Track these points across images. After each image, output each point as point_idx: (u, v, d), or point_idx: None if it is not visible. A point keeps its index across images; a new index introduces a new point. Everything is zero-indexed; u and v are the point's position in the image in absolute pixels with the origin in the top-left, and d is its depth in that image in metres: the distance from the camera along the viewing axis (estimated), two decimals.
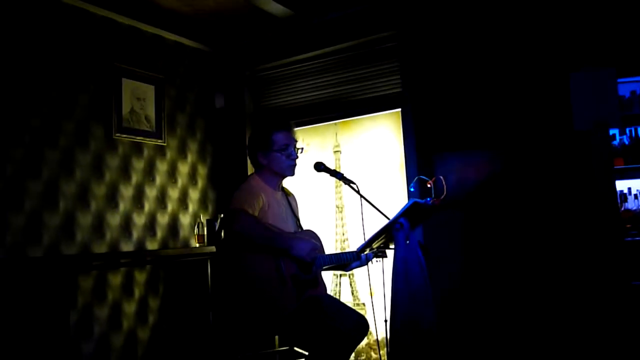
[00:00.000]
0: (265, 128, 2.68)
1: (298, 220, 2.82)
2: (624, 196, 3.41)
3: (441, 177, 2.65)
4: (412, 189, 2.84)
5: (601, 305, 3.03)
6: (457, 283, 3.43)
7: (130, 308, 3.66)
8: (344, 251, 2.79)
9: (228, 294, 2.47)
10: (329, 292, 2.73)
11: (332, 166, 3.70)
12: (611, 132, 3.32)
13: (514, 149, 3.37)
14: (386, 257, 2.84)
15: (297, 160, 2.72)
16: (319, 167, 2.78)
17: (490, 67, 3.47)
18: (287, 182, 2.85)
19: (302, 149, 2.77)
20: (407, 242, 2.50)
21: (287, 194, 2.84)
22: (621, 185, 3.34)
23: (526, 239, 3.29)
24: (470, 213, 3.46)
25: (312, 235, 2.69)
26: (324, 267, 2.71)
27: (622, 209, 3.33)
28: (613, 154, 3.28)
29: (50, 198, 3.28)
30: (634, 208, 3.42)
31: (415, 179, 2.89)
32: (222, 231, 3.97)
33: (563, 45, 3.26)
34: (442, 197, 2.59)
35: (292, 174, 2.72)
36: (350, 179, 2.77)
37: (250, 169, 4.36)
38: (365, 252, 2.79)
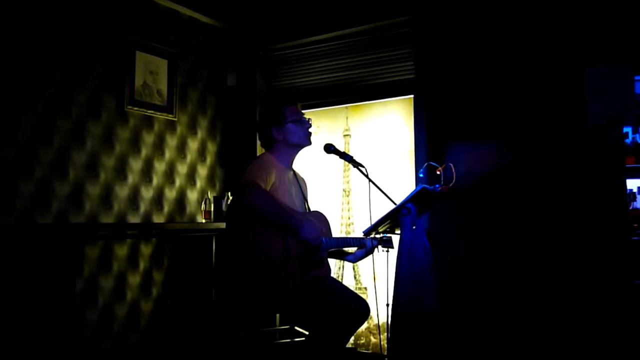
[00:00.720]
0: (275, 103, 2.72)
1: (306, 202, 2.85)
2: (632, 195, 3.40)
3: (451, 165, 2.65)
4: (421, 175, 2.84)
5: (603, 302, 3.03)
6: (460, 271, 3.45)
7: (134, 280, 3.70)
8: (349, 237, 2.80)
9: (233, 267, 2.49)
10: (332, 275, 2.74)
11: (341, 150, 3.70)
12: (624, 130, 3.30)
13: (524, 141, 3.35)
14: (392, 247, 2.85)
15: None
16: (329, 148, 2.80)
17: (505, 57, 3.45)
18: (295, 165, 2.86)
19: (310, 119, 2.78)
20: (414, 227, 2.51)
21: (297, 176, 2.86)
22: (631, 184, 3.33)
23: (532, 232, 3.29)
24: (477, 203, 3.45)
25: (320, 219, 2.70)
26: (329, 250, 2.73)
27: (630, 207, 3.32)
28: (625, 152, 3.26)
29: (61, 167, 3.31)
30: None
31: (425, 165, 2.89)
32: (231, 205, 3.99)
33: (580, 38, 3.22)
34: (451, 184, 2.60)
35: (310, 142, 2.75)
36: (359, 162, 2.79)
37: (260, 150, 4.38)
38: (371, 237, 2.81)
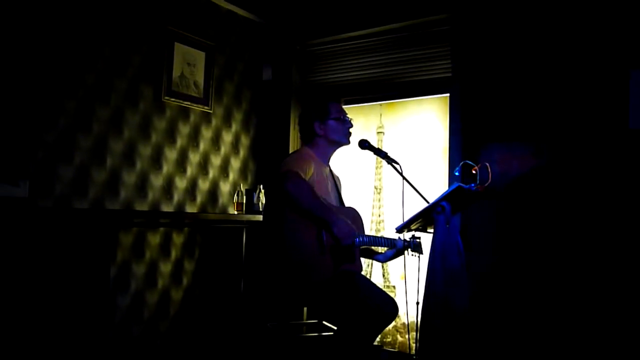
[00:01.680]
0: (321, 98, 2.75)
1: (341, 198, 2.86)
2: None
3: (487, 165, 2.62)
4: (456, 173, 2.81)
5: (635, 314, 2.96)
6: (493, 273, 3.40)
7: (166, 268, 3.75)
8: (382, 236, 2.81)
9: (266, 257, 2.51)
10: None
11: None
12: None
13: (562, 143, 3.28)
14: (422, 253, 2.85)
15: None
16: (364, 144, 2.80)
17: (545, 58, 3.38)
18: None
19: (352, 119, 2.80)
20: (447, 226, 2.48)
21: (333, 173, 2.87)
22: None
23: (565, 237, 3.22)
24: (511, 205, 3.40)
25: (354, 216, 2.71)
26: (361, 248, 2.73)
27: None
28: None
29: (99, 154, 3.37)
30: None
31: (461, 163, 2.86)
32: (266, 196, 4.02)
33: (625, 40, 3.14)
34: (487, 184, 2.56)
35: (349, 141, 2.79)
36: (394, 158, 2.78)
37: (292, 145, 4.40)
38: (403, 239, 2.80)
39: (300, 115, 2.87)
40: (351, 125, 2.80)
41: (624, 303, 3.01)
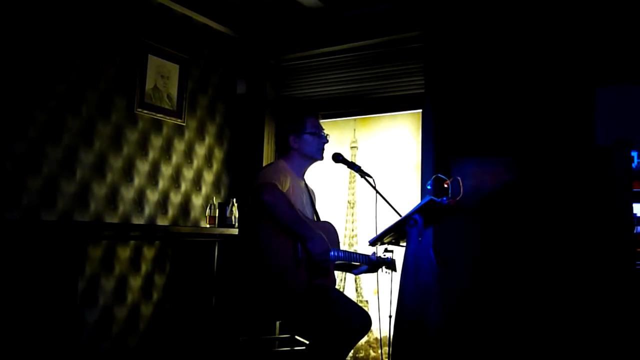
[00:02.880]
0: (298, 112, 2.76)
1: (316, 212, 2.86)
2: (637, 220, 3.39)
3: (459, 178, 2.65)
4: (429, 187, 2.83)
5: (609, 326, 3.01)
6: (464, 287, 3.43)
7: (136, 282, 3.69)
8: (357, 252, 2.82)
9: (240, 270, 2.48)
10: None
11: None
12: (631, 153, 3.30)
13: (531, 158, 3.35)
14: (395, 271, 2.86)
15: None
16: (337, 157, 2.81)
17: (515, 75, 3.46)
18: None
19: (329, 135, 2.81)
20: (420, 239, 2.50)
21: (307, 186, 2.88)
22: (636, 209, 3.31)
23: (536, 251, 3.27)
24: (483, 219, 3.45)
25: (329, 231, 2.70)
26: (336, 262, 2.73)
27: (634, 232, 3.30)
28: (632, 177, 3.26)
29: (68, 165, 3.32)
30: None
31: (433, 177, 2.89)
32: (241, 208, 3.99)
33: (591, 58, 3.24)
34: (458, 198, 2.59)
35: (322, 157, 2.80)
36: (367, 172, 2.79)
37: (266, 159, 4.39)
38: (376, 255, 2.81)
39: (277, 127, 2.88)
40: (326, 141, 2.80)
41: (597, 313, 3.07)
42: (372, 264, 2.81)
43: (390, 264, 2.87)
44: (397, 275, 2.62)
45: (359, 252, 2.84)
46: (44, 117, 3.20)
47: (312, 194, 2.89)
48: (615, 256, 3.05)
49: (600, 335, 3.02)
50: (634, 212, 3.20)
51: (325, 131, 2.82)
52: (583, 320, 3.10)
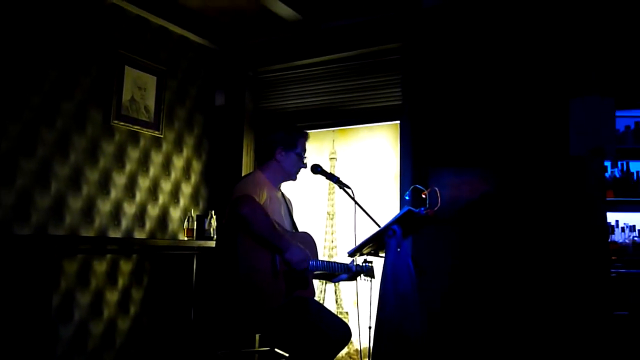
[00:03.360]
0: (293, 129, 2.76)
1: (294, 222, 2.85)
2: (611, 228, 3.46)
3: (436, 189, 2.67)
4: (407, 197, 2.85)
5: (585, 331, 3.04)
6: (444, 298, 3.44)
7: (112, 297, 3.62)
8: (335, 261, 2.82)
9: (218, 283, 2.46)
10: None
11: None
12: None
13: (508, 169, 3.39)
14: (374, 278, 2.87)
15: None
16: (316, 169, 2.82)
17: (491, 87, 3.51)
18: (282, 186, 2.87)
19: (307, 158, 2.82)
20: (398, 249, 2.50)
21: (284, 197, 2.87)
22: (610, 217, 3.38)
23: (514, 261, 3.30)
24: (460, 230, 3.47)
25: (307, 241, 2.70)
26: (315, 272, 2.72)
27: (609, 240, 3.36)
28: (605, 186, 3.32)
29: (43, 178, 3.26)
30: (620, 241, 3.46)
31: (411, 187, 2.91)
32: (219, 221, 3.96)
33: (564, 71, 3.30)
34: (436, 208, 2.61)
35: (296, 179, 2.82)
36: (346, 183, 2.80)
37: (245, 171, 4.37)
38: (356, 263, 2.82)
39: (266, 134, 2.86)
40: (305, 167, 2.82)
41: (573, 320, 3.10)
42: (351, 272, 2.81)
43: (369, 272, 2.87)
44: (376, 286, 2.62)
45: (337, 261, 2.84)
46: (18, 129, 3.14)
47: (289, 204, 2.89)
48: (590, 264, 3.09)
49: (577, 341, 3.05)
50: (608, 220, 3.26)
51: (306, 154, 2.83)
52: (560, 328, 3.13)
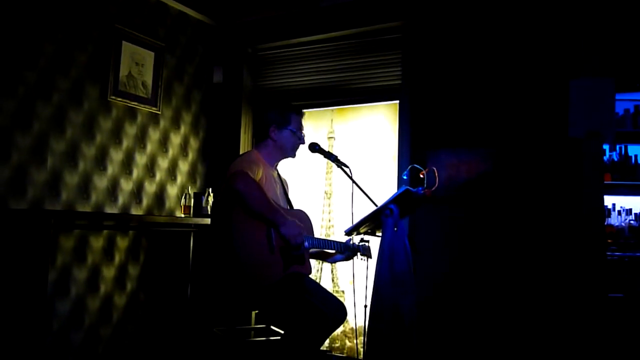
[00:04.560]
0: (286, 106, 2.74)
1: (289, 201, 2.85)
2: (607, 211, 3.46)
3: (434, 169, 2.66)
4: (404, 177, 2.84)
5: (580, 313, 3.06)
6: (439, 278, 3.45)
7: (109, 273, 3.63)
8: (332, 240, 2.82)
9: (215, 260, 2.46)
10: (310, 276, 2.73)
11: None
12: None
13: (507, 150, 3.38)
14: (371, 257, 2.87)
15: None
16: (314, 147, 2.80)
17: (491, 67, 3.48)
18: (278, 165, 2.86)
19: (304, 135, 2.80)
20: (395, 229, 2.51)
21: (280, 176, 2.87)
22: (606, 200, 3.37)
23: (511, 241, 3.31)
24: (458, 210, 3.47)
25: (303, 218, 2.70)
26: (310, 250, 2.72)
27: (605, 223, 3.37)
28: (603, 169, 3.31)
29: (39, 153, 3.24)
30: (616, 224, 3.47)
31: (409, 167, 2.90)
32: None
33: (565, 51, 3.27)
34: (434, 188, 2.61)
35: (294, 156, 2.82)
36: (344, 162, 2.79)
37: (243, 149, 4.36)
38: (352, 243, 2.81)
39: (261, 113, 2.85)
40: (303, 142, 2.80)
41: (569, 302, 3.12)
42: (347, 251, 2.81)
43: (365, 250, 2.87)
44: (372, 265, 2.63)
45: (333, 239, 2.84)
46: (13, 104, 3.11)
47: (285, 184, 2.88)
48: (586, 246, 3.10)
49: (572, 323, 3.07)
50: (605, 203, 3.27)
51: (304, 131, 2.81)
52: (556, 310, 3.15)
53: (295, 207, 2.87)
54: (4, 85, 3.07)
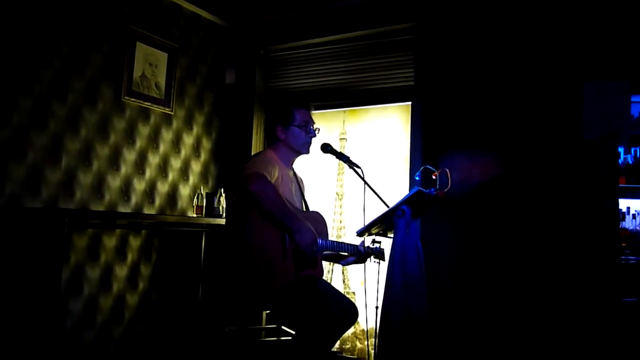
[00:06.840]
0: (287, 103, 2.73)
1: (305, 201, 2.84)
2: (622, 215, 3.42)
3: (447, 170, 2.65)
4: (417, 178, 2.83)
5: (594, 317, 3.03)
6: (451, 280, 3.44)
7: (122, 272, 3.66)
8: (345, 242, 2.80)
9: (227, 260, 2.46)
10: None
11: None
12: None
13: (520, 152, 3.36)
14: (384, 260, 2.85)
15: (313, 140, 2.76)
16: (326, 148, 2.79)
17: (504, 69, 3.46)
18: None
19: (319, 129, 2.79)
20: (407, 230, 2.49)
21: (296, 175, 2.86)
22: (621, 204, 3.34)
23: (525, 244, 3.29)
24: (470, 213, 3.45)
25: (318, 220, 2.69)
26: (324, 253, 2.72)
27: (619, 227, 3.33)
28: (618, 172, 3.27)
29: (54, 152, 3.27)
30: (631, 228, 3.43)
31: (421, 168, 2.89)
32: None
33: (580, 52, 3.25)
34: (446, 190, 2.59)
35: (308, 151, 2.77)
36: (355, 162, 2.78)
37: (255, 150, 4.37)
38: (364, 246, 2.80)
39: (266, 116, 2.86)
40: (314, 135, 2.76)
41: (583, 306, 3.09)
42: (360, 254, 2.80)
43: (378, 254, 2.85)
44: (384, 267, 2.62)
45: (347, 242, 2.83)
46: (29, 104, 3.15)
47: (301, 183, 2.88)
48: (600, 250, 3.07)
49: (586, 327, 3.04)
50: (619, 207, 3.23)
51: (315, 125, 2.79)
52: (569, 314, 3.12)
53: (309, 207, 2.87)
54: (21, 84, 3.11)
